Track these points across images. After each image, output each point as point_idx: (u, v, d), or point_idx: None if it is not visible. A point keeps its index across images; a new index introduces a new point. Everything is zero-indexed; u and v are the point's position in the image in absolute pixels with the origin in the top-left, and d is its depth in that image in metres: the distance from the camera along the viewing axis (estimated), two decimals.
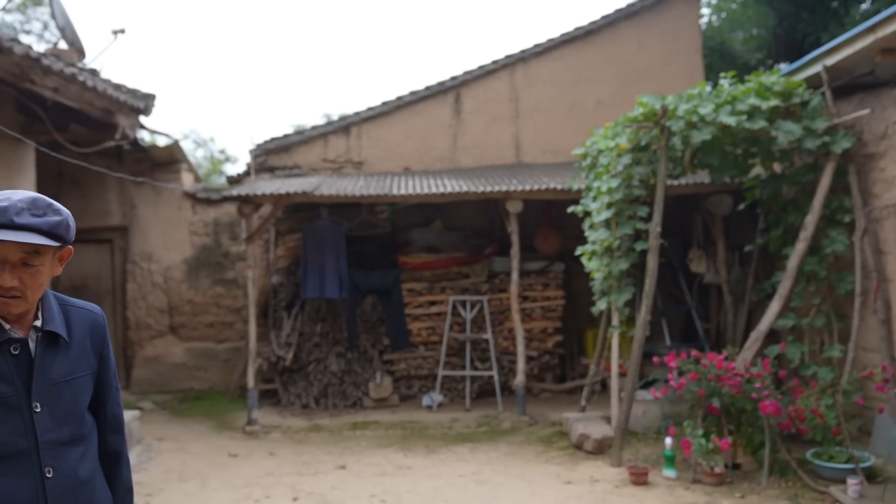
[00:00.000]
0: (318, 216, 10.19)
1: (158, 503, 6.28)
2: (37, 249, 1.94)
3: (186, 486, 6.86)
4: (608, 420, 8.08)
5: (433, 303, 10.26)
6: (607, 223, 7.74)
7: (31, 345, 2.03)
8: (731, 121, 6.80)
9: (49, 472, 1.99)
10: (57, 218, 1.95)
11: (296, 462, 7.57)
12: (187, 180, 12.00)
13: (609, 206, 7.62)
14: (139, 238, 11.59)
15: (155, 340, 11.58)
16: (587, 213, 8.23)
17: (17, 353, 2.00)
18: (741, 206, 8.57)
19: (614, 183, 7.49)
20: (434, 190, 9.17)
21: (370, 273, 10.23)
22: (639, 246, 7.49)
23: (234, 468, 7.42)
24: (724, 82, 7.35)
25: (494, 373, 9.79)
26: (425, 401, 9.88)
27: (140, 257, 11.58)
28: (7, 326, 1.99)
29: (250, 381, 9.18)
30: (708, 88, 7.31)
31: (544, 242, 10.46)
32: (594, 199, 7.95)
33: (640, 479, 6.44)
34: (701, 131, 6.95)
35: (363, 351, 10.22)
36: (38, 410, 2.00)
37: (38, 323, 2.05)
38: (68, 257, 2.08)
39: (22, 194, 1.94)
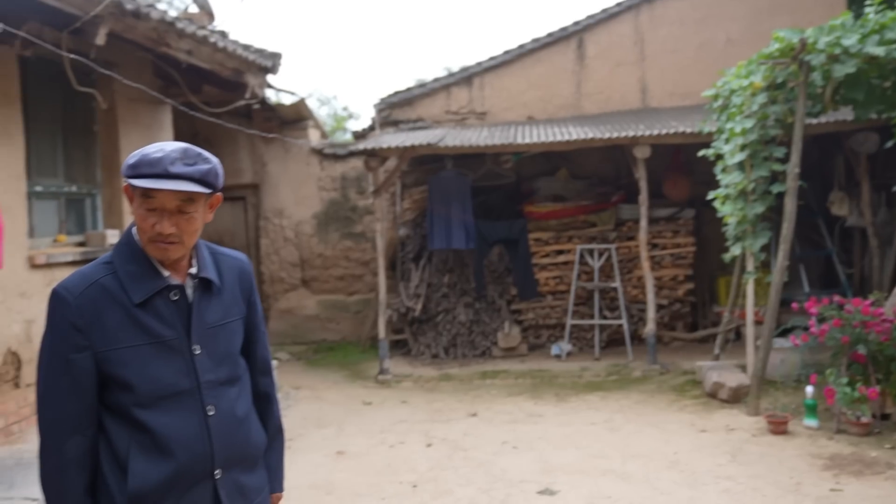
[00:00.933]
0: (442, 168, 10.26)
1: (299, 447, 6.55)
2: (191, 197, 2.02)
3: (325, 431, 7.14)
4: (743, 368, 7.86)
5: (560, 252, 10.20)
6: (741, 166, 7.43)
7: (188, 291, 2.14)
8: (879, 51, 6.35)
9: (211, 410, 2.10)
10: (207, 166, 2.03)
11: (428, 410, 7.75)
12: (314, 137, 12.29)
13: (743, 147, 7.31)
14: (270, 195, 12.00)
15: (288, 293, 12.02)
16: (719, 157, 7.92)
17: (176, 298, 2.10)
18: (889, 144, 8.04)
19: (748, 123, 7.17)
20: (558, 138, 9.05)
21: (496, 223, 10.25)
22: (775, 189, 7.17)
23: (369, 415, 7.66)
24: (870, 10, 6.84)
25: (624, 321, 9.68)
26: (554, 350, 9.89)
27: (272, 213, 12.00)
28: (166, 274, 2.10)
29: (381, 331, 9.41)
30: (852, 18, 6.85)
31: (673, 188, 10.18)
32: (727, 141, 7.65)
33: (779, 428, 6.26)
34: (844, 64, 6.53)
35: (491, 301, 10.29)
36: (198, 353, 2.11)
37: (194, 270, 2.15)
38: (218, 204, 2.16)
39: (173, 145, 2.03)
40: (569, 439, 6.49)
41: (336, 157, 11.91)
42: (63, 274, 5.78)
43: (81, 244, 6.97)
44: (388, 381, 9.08)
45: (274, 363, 8.71)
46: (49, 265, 6.24)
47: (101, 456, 2.06)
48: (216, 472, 2.10)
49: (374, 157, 9.37)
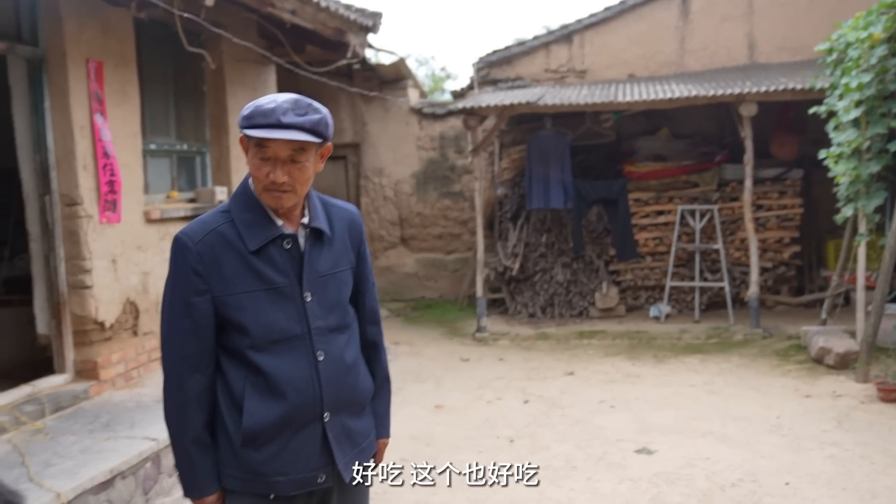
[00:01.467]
0: (541, 127, 10.16)
1: (399, 401, 6.66)
2: (302, 146, 2.09)
3: (423, 385, 7.28)
4: (852, 334, 7.59)
5: (660, 212, 10.03)
6: (856, 123, 7.10)
7: (301, 240, 2.22)
8: None
9: (321, 356, 2.19)
10: (317, 116, 2.09)
11: (524, 368, 7.80)
12: (413, 96, 12.34)
13: (859, 103, 6.98)
14: (370, 154, 12.16)
15: (388, 251, 12.22)
16: (832, 114, 7.60)
17: (289, 247, 2.19)
18: None
19: (866, 78, 6.83)
20: (660, 96, 8.83)
21: (595, 183, 10.13)
22: (893, 147, 6.83)
23: (466, 371, 7.76)
24: None
25: (725, 284, 9.47)
26: (653, 311, 9.76)
27: (372, 172, 12.16)
28: (280, 223, 2.18)
29: (479, 290, 9.49)
30: None
31: (780, 147, 9.83)
32: (840, 97, 7.32)
33: (889, 395, 6.05)
34: None
35: (589, 261, 10.22)
36: (309, 300, 2.19)
37: (306, 220, 2.23)
38: (328, 154, 2.22)
39: (285, 96, 2.10)
40: (667, 400, 6.44)
41: (435, 117, 11.96)
42: (175, 228, 6.02)
43: (192, 200, 7.24)
44: (486, 339, 9.16)
45: None
46: (163, 220, 6.52)
47: (219, 394, 2.18)
48: (325, 414, 2.19)
49: (473, 115, 9.37)
